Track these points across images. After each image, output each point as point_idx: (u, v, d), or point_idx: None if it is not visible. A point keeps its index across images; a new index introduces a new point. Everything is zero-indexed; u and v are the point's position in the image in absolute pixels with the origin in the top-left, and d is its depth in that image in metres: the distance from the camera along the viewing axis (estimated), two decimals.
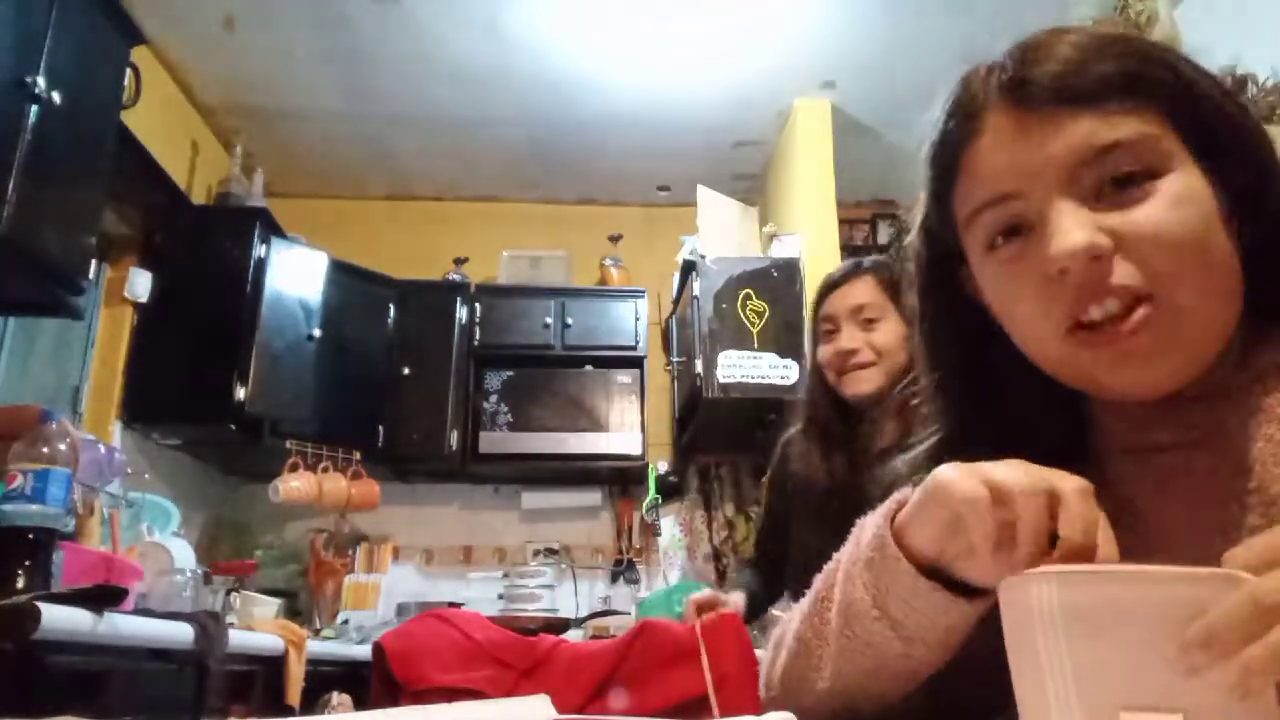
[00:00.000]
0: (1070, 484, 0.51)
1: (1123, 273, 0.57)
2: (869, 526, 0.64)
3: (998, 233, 0.62)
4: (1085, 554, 0.50)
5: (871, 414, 1.59)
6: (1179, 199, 0.57)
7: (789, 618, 0.74)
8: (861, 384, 1.62)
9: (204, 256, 3.46)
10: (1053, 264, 0.58)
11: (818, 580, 0.70)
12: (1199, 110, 0.60)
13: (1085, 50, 0.60)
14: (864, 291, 1.67)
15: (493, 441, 3.82)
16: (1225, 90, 0.62)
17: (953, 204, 0.66)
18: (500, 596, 3.77)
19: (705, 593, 1.75)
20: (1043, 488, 0.51)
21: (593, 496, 4.14)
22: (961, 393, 0.70)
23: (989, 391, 0.69)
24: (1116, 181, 0.58)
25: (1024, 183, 0.60)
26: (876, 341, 1.63)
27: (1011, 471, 0.52)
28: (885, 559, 0.60)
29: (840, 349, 1.64)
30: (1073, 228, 0.57)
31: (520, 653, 1.29)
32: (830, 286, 1.72)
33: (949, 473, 0.55)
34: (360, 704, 2.54)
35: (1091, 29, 0.63)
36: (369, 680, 1.40)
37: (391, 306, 3.97)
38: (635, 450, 3.85)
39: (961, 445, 0.66)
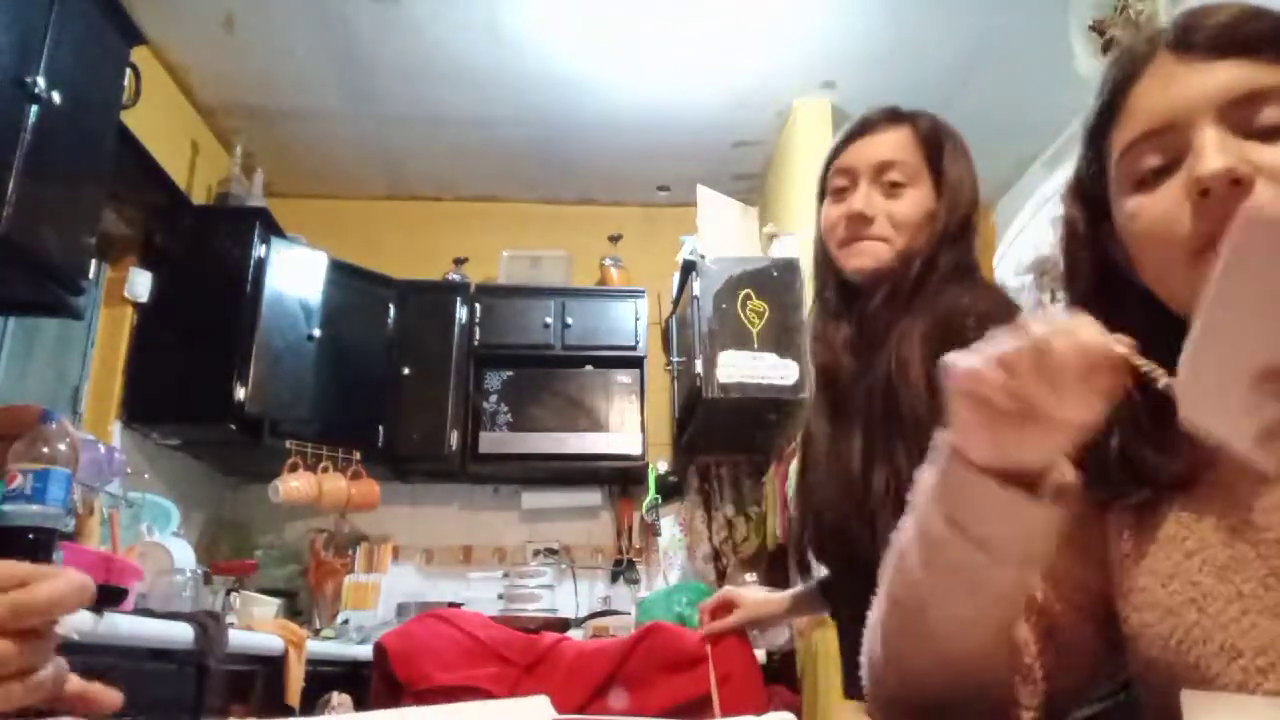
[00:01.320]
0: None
1: None
2: (932, 463, 0.67)
3: (1149, 169, 0.66)
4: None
5: (876, 297, 1.27)
6: None
7: (878, 599, 0.74)
8: (865, 257, 1.28)
9: (204, 256, 3.46)
10: (1197, 184, 0.61)
11: (896, 539, 0.71)
12: None
13: (1246, 10, 0.66)
14: (897, 145, 1.31)
15: (493, 441, 3.82)
16: None
17: (1107, 143, 0.70)
18: (500, 596, 3.77)
19: (719, 595, 1.52)
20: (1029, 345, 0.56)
21: (593, 496, 4.14)
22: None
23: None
24: (1263, 123, 0.62)
25: (1179, 115, 0.64)
26: (898, 213, 1.28)
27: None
28: (951, 473, 0.63)
29: (853, 211, 1.28)
30: (1218, 151, 0.61)
31: (522, 649, 1.29)
32: (858, 131, 1.35)
33: (954, 365, 0.60)
34: (360, 704, 2.54)
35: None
36: (369, 680, 1.40)
37: (391, 306, 3.97)
38: (635, 450, 3.84)
39: None
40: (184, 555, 2.68)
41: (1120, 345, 0.56)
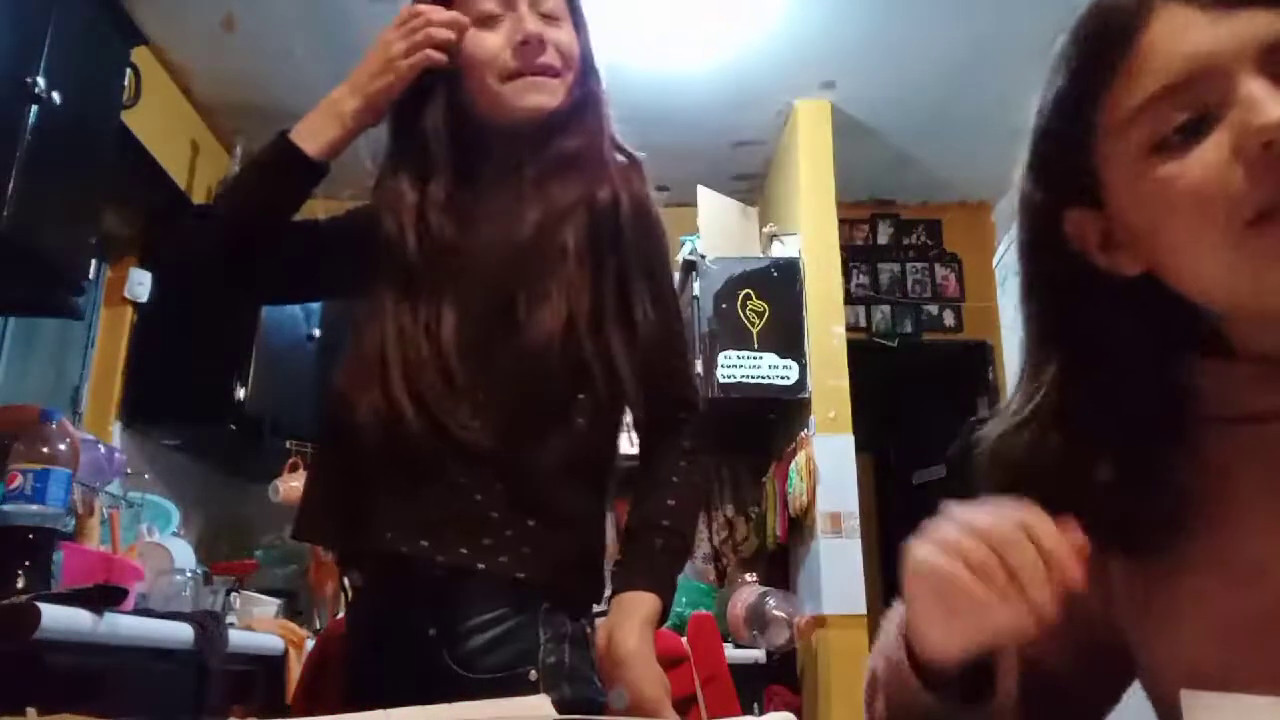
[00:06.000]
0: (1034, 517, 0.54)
1: None
2: (892, 625, 0.65)
3: (1174, 128, 0.58)
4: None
5: (559, 139, 1.13)
6: None
7: (875, 661, 0.72)
8: (544, 94, 1.12)
9: None
10: (1259, 135, 0.54)
11: (876, 652, 0.70)
12: None
13: None
14: None
15: None
16: None
17: (1097, 111, 0.62)
18: None
19: None
20: (1014, 528, 0.54)
21: None
22: (1065, 355, 0.66)
23: (1090, 355, 0.65)
24: None
25: (1213, 63, 0.56)
26: (564, 43, 1.16)
27: (979, 522, 0.55)
28: (903, 680, 0.61)
29: (529, 34, 1.10)
30: (1276, 100, 0.54)
31: None
32: None
33: (915, 553, 0.57)
34: None
35: None
36: None
37: None
38: (634, 450, 3.83)
39: (1065, 412, 0.65)
40: (184, 555, 2.68)
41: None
